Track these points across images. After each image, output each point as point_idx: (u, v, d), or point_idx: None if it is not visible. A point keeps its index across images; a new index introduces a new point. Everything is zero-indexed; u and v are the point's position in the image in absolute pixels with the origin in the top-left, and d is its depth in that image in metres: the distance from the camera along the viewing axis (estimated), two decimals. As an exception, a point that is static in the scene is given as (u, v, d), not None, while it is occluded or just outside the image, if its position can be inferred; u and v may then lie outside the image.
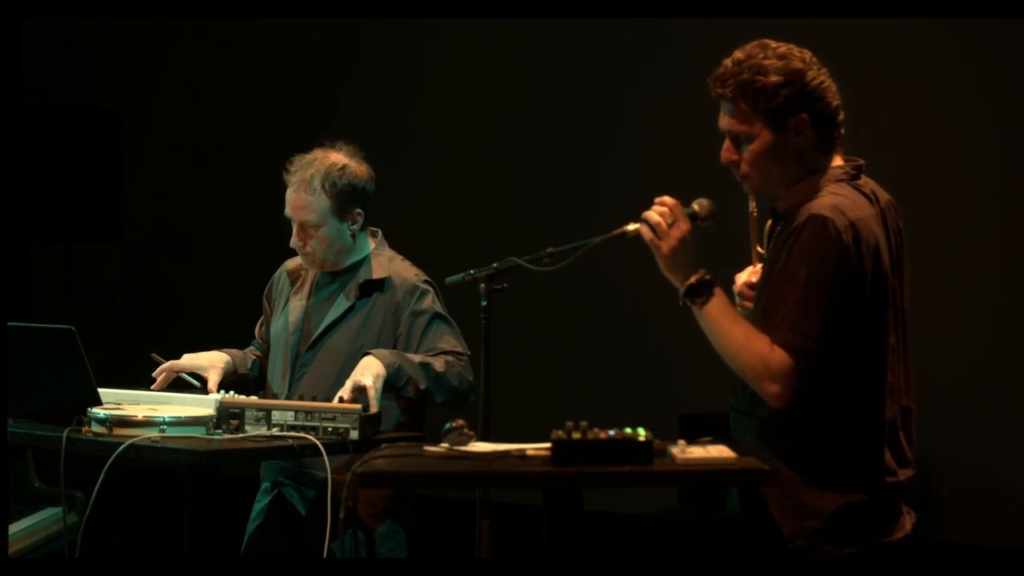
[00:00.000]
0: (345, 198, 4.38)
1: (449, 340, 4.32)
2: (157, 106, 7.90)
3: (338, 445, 3.90)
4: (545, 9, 6.55)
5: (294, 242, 4.42)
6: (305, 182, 4.37)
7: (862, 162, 3.36)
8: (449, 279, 3.75)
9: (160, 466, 4.01)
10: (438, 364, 4.22)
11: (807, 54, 3.33)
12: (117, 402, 4.10)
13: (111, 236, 7.05)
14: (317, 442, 3.85)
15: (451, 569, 3.63)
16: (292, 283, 4.56)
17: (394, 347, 4.33)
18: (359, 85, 7.46)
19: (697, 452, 3.15)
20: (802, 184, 3.30)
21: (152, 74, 7.97)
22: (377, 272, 4.42)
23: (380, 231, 4.54)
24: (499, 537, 3.63)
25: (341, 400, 4.02)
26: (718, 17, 6.20)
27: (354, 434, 3.91)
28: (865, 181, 3.34)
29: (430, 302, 4.36)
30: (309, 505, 4.34)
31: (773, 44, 3.32)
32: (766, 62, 3.28)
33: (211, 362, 4.44)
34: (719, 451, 3.16)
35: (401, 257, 4.50)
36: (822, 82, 3.29)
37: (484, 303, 3.60)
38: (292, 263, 4.61)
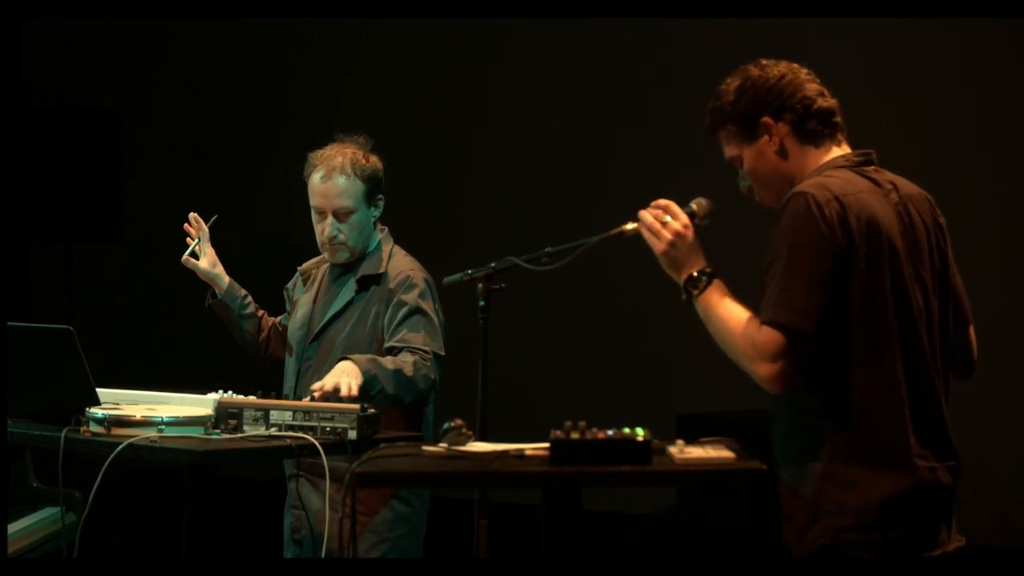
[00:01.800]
0: (372, 184, 4.47)
1: (421, 336, 4.33)
2: (157, 106, 7.90)
3: (337, 445, 3.89)
4: (545, 9, 6.55)
5: (329, 233, 4.44)
6: (337, 169, 4.43)
7: (871, 152, 3.34)
8: (447, 279, 3.75)
9: (158, 466, 4.01)
10: (408, 368, 4.22)
11: (769, 63, 3.33)
12: (115, 402, 4.10)
13: (111, 236, 7.06)
14: (315, 442, 3.85)
15: (449, 569, 3.63)
16: (304, 282, 4.61)
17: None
18: (359, 85, 7.47)
19: (696, 452, 3.15)
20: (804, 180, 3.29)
21: (152, 74, 7.98)
22: (376, 267, 4.47)
23: (387, 228, 4.57)
24: (497, 537, 3.62)
25: (313, 398, 4.04)
26: (718, 17, 6.21)
27: (352, 434, 3.90)
28: (878, 171, 3.31)
29: (415, 295, 4.39)
30: (324, 495, 4.34)
31: (741, 68, 3.35)
32: (723, 86, 3.35)
33: (222, 276, 4.56)
34: (717, 451, 3.16)
35: (404, 252, 4.54)
36: (779, 79, 3.29)
37: (482, 303, 3.60)
38: (306, 264, 4.67)
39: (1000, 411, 5.97)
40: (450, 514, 4.78)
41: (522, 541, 4.06)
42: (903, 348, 3.18)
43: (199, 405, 4.10)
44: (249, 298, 4.63)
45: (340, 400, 4.02)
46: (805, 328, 3.10)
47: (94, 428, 3.92)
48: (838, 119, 3.33)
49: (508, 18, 6.80)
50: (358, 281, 4.45)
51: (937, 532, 3.21)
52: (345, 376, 4.10)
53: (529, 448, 3.22)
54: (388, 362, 4.23)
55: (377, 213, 4.50)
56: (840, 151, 3.32)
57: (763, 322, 3.12)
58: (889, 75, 6.16)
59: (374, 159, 4.51)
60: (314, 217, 4.48)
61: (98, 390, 4.07)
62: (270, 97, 7.68)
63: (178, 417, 3.92)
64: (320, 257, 4.58)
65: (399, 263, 4.48)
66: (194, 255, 4.54)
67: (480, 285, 3.61)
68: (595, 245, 3.44)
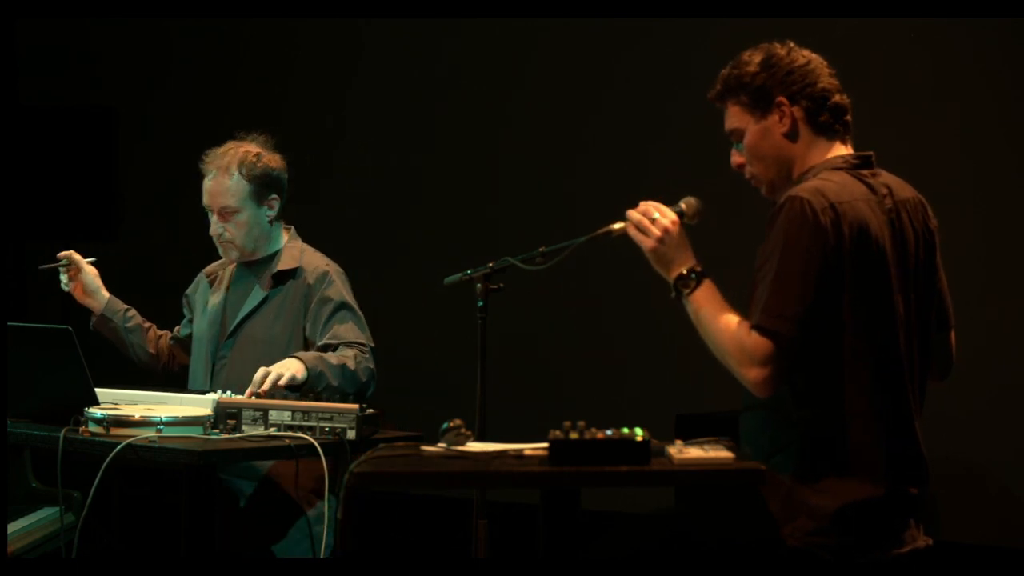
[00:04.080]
0: (261, 183, 4.52)
1: (353, 330, 4.41)
2: (155, 104, 7.89)
3: (335, 445, 3.90)
4: (541, 9, 6.56)
5: (214, 230, 4.52)
6: (223, 168, 4.51)
7: (871, 153, 3.34)
8: (447, 279, 3.76)
9: (157, 466, 4.01)
10: (350, 362, 4.30)
11: (796, 47, 3.34)
12: (114, 402, 4.10)
13: (108, 235, 7.05)
14: (314, 442, 3.86)
15: (447, 569, 3.63)
16: (210, 284, 4.66)
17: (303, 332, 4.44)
18: (359, 85, 7.46)
19: (694, 452, 3.15)
20: (803, 178, 3.29)
21: (150, 73, 7.97)
22: (289, 262, 4.54)
23: (293, 227, 4.63)
24: (496, 536, 3.62)
25: (257, 396, 4.08)
26: (719, 17, 6.21)
27: (351, 434, 3.91)
28: (877, 173, 3.31)
29: (337, 290, 4.46)
30: (248, 498, 4.36)
31: (765, 44, 3.35)
32: (744, 56, 3.35)
33: (99, 293, 4.64)
34: (716, 451, 3.16)
35: (313, 249, 4.61)
36: (804, 64, 3.30)
37: (480, 303, 3.61)
38: (210, 267, 4.73)
39: (999, 411, 5.97)
40: (449, 514, 4.79)
41: (521, 541, 4.06)
42: (885, 360, 3.21)
43: (198, 405, 4.11)
44: (132, 311, 4.70)
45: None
46: (793, 335, 3.11)
47: (93, 428, 3.92)
48: (848, 119, 3.34)
49: (506, 19, 6.80)
50: (273, 277, 4.51)
51: (904, 532, 3.25)
52: (286, 369, 4.16)
53: (528, 448, 3.22)
54: (332, 357, 4.30)
55: (272, 213, 4.55)
56: (844, 150, 3.33)
57: (752, 326, 3.13)
58: (890, 75, 6.16)
59: (269, 158, 4.56)
60: (209, 215, 4.56)
61: (97, 390, 4.07)
62: (269, 96, 7.67)
63: (177, 417, 3.93)
64: (224, 259, 4.62)
65: (312, 259, 4.55)
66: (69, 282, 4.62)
67: (478, 285, 3.62)
68: (593, 244, 3.45)
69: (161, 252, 7.46)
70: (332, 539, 4.42)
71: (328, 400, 4.13)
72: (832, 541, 3.17)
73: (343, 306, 4.43)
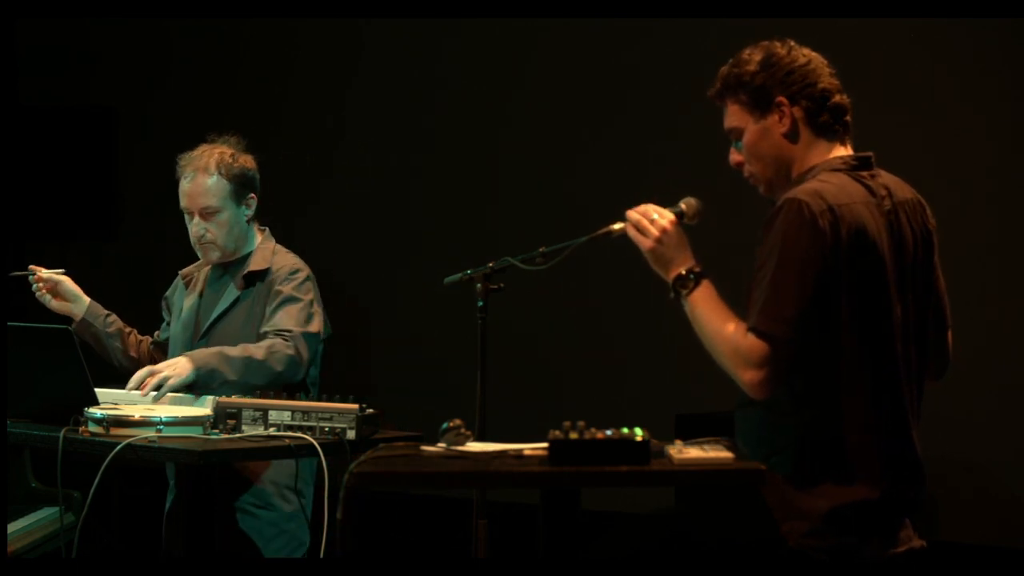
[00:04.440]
0: (240, 182, 4.53)
1: (290, 318, 4.38)
2: (155, 104, 7.90)
3: (335, 445, 3.90)
4: (541, 9, 6.56)
5: (197, 232, 4.51)
6: (202, 169, 4.52)
7: (870, 154, 3.33)
8: (447, 279, 3.76)
9: (157, 466, 4.01)
10: (259, 353, 4.28)
11: (796, 46, 3.32)
12: (114, 402, 4.10)
13: (108, 234, 7.05)
14: (314, 442, 3.86)
15: (448, 568, 3.63)
16: (186, 286, 4.67)
17: None
18: (359, 85, 7.46)
19: (694, 452, 3.14)
20: (803, 179, 3.28)
21: (150, 72, 7.97)
22: (260, 263, 4.54)
23: (267, 228, 4.61)
24: (496, 536, 3.62)
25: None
26: (719, 17, 6.21)
27: (351, 434, 3.91)
28: (877, 174, 3.30)
29: (292, 286, 4.45)
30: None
31: (765, 42, 3.33)
32: (744, 55, 3.33)
33: (79, 299, 4.60)
34: (716, 451, 3.16)
35: (286, 250, 4.61)
36: (804, 64, 3.28)
37: (480, 303, 3.61)
38: (186, 269, 4.73)
39: (1000, 411, 5.98)
40: (449, 514, 4.79)
41: (521, 541, 4.06)
42: (882, 361, 3.20)
43: (198, 405, 4.11)
44: (113, 316, 4.67)
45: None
46: (789, 337, 3.11)
47: (93, 428, 3.92)
48: (848, 119, 3.32)
49: (505, 19, 6.80)
50: (244, 278, 4.52)
51: (900, 532, 3.23)
52: (172, 371, 4.18)
53: (528, 448, 3.22)
54: (237, 350, 4.29)
55: (249, 212, 4.56)
56: (843, 151, 3.32)
57: (748, 329, 3.13)
58: (890, 75, 6.17)
59: (244, 158, 4.57)
60: (186, 219, 4.55)
61: (97, 390, 4.07)
62: (269, 96, 7.68)
63: (176, 417, 3.93)
64: (201, 261, 4.62)
65: (283, 259, 4.55)
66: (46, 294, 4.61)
67: (478, 285, 3.62)
68: (593, 244, 3.45)
69: (161, 252, 7.46)
70: (307, 536, 4.44)
71: (233, 394, 4.12)
72: (827, 542, 3.16)
73: (290, 298, 4.42)
